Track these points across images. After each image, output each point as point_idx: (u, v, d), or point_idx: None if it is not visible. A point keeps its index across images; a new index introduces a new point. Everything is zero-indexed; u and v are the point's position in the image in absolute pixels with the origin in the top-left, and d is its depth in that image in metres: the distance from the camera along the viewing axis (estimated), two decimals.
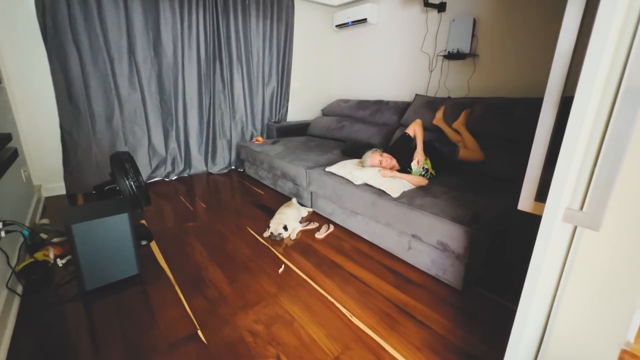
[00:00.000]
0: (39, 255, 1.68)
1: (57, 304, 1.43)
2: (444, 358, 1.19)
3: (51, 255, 1.72)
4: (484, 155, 2.16)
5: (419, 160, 2.11)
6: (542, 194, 0.78)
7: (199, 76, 3.16)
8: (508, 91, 2.49)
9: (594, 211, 0.71)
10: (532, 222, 0.83)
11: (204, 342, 1.24)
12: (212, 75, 3.25)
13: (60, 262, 1.71)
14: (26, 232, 1.75)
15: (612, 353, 0.81)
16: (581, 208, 0.75)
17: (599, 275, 0.82)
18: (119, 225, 1.49)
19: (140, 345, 1.22)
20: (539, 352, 0.98)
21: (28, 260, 1.61)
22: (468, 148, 2.22)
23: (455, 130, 2.40)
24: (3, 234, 1.47)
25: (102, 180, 2.26)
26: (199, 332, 1.29)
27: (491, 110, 2.34)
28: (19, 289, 1.48)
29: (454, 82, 2.88)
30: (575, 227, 0.84)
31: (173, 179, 3.28)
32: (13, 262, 1.54)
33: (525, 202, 0.80)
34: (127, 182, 1.71)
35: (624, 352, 0.79)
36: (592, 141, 0.73)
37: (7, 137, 1.90)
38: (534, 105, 2.02)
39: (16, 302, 1.41)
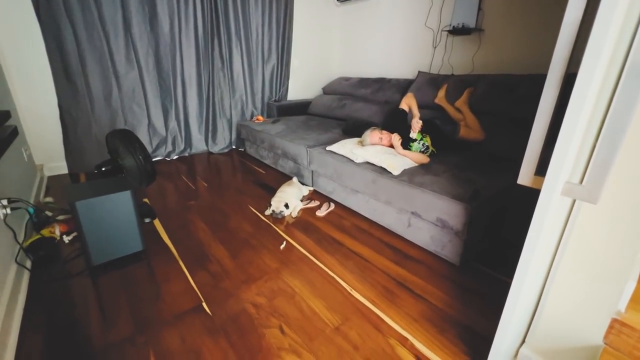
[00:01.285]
0: (45, 232, 1.72)
1: (66, 278, 1.48)
2: (440, 328, 1.24)
3: (57, 232, 1.75)
4: (485, 135, 2.14)
5: (414, 128, 2.11)
6: (542, 169, 0.78)
7: (197, 53, 3.08)
8: (513, 68, 2.44)
9: (593, 185, 0.72)
10: (531, 199, 0.84)
11: (208, 314, 1.29)
12: (211, 52, 3.18)
13: (66, 239, 1.75)
14: (32, 210, 1.77)
15: (603, 322, 0.84)
16: (580, 182, 0.76)
17: (594, 247, 0.84)
18: (122, 202, 1.51)
19: (147, 317, 1.27)
20: (531, 322, 1.01)
21: (35, 237, 1.64)
22: (469, 127, 2.20)
23: (458, 109, 2.37)
24: (9, 210, 1.50)
25: (103, 159, 2.26)
26: (204, 304, 1.34)
27: (495, 88, 2.30)
28: (28, 264, 1.52)
29: (458, 59, 2.81)
30: (574, 202, 0.85)
31: (174, 158, 3.28)
32: (20, 239, 1.57)
33: (525, 176, 0.80)
34: (137, 155, 1.72)
35: (614, 320, 0.82)
36: (594, 115, 0.72)
37: (6, 115, 1.89)
38: (540, 82, 1.98)
39: (26, 276, 1.45)
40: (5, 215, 1.47)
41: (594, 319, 0.87)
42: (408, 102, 2.29)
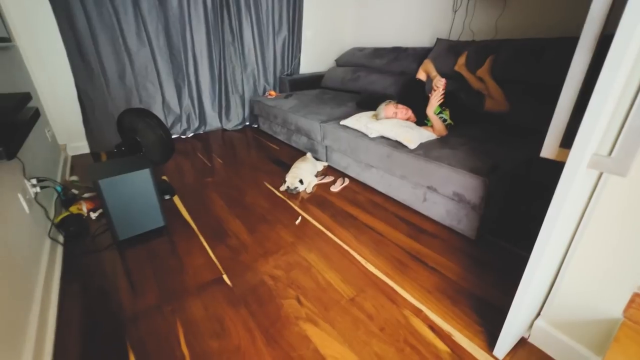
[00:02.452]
0: (73, 209, 1.81)
1: (96, 252, 1.57)
2: (453, 300, 1.26)
3: (84, 209, 1.85)
4: (510, 106, 2.03)
5: (436, 88, 1.91)
6: (567, 141, 0.74)
7: (207, 27, 3.02)
8: (541, 31, 2.26)
9: (624, 156, 0.68)
10: (554, 171, 0.81)
11: (229, 285, 1.35)
12: (221, 25, 3.10)
13: (93, 215, 1.84)
14: (59, 188, 1.86)
15: (624, 296, 0.83)
16: (609, 154, 0.72)
17: (618, 222, 0.81)
18: (142, 179, 1.56)
19: (172, 287, 1.34)
20: (548, 295, 1.01)
21: (64, 214, 1.73)
22: (493, 98, 2.09)
23: (480, 78, 2.25)
24: (38, 189, 1.58)
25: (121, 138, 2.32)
26: (224, 276, 1.40)
27: (520, 54, 2.15)
28: (60, 238, 1.62)
29: (480, 24, 2.62)
30: (600, 175, 0.81)
31: (189, 136, 3.32)
32: (51, 216, 1.66)
33: (550, 148, 0.77)
34: (158, 130, 1.77)
35: (636, 294, 0.81)
36: (631, 81, 0.67)
37: (27, 97, 1.93)
38: (570, 45, 1.84)
39: (60, 249, 1.56)
40: (36, 194, 1.56)
41: (615, 292, 0.85)
42: (425, 69, 2.16)
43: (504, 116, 2.06)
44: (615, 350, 0.77)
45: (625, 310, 0.84)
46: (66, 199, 1.89)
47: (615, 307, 0.86)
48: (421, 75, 2.24)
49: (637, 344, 0.79)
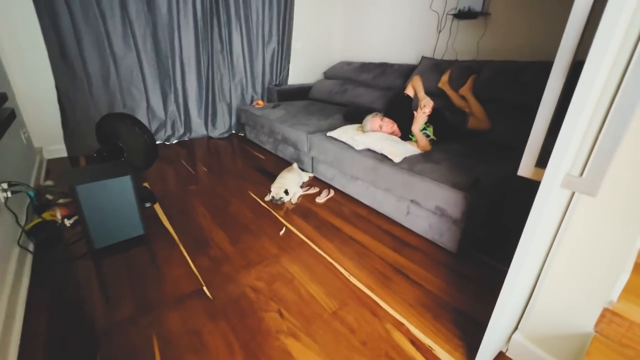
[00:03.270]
0: (46, 215, 1.73)
1: (69, 261, 1.50)
2: (435, 314, 1.27)
3: (58, 216, 1.77)
4: (491, 124, 2.11)
5: (421, 109, 1.95)
6: (543, 161, 0.78)
7: (196, 35, 3.01)
8: (520, 54, 2.38)
9: (593, 177, 0.71)
10: (531, 188, 0.84)
11: (209, 297, 1.31)
12: (210, 34, 3.10)
13: (67, 222, 1.76)
14: (32, 193, 1.78)
15: (595, 311, 0.86)
16: (580, 175, 0.75)
17: (590, 239, 0.84)
18: (122, 186, 1.51)
19: (149, 299, 1.30)
20: (525, 309, 1.04)
21: (36, 220, 1.65)
22: (475, 116, 2.17)
23: (462, 97, 2.33)
24: (9, 194, 1.50)
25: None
26: (204, 288, 1.36)
27: (500, 74, 2.25)
28: (31, 247, 1.54)
29: (463, 44, 2.74)
30: (572, 194, 0.85)
31: (173, 142, 3.27)
32: (22, 222, 1.58)
33: (526, 168, 0.80)
34: (144, 135, 1.73)
35: (606, 310, 0.84)
36: (599, 106, 0.71)
37: (3, 97, 1.87)
38: (546, 69, 1.94)
39: (29, 258, 1.48)
40: (6, 199, 1.48)
41: (587, 308, 0.89)
42: (414, 85, 2.22)
43: (486, 134, 2.14)
44: None
45: (596, 325, 0.87)
46: (39, 204, 1.81)
47: (586, 322, 0.89)
48: (409, 91, 2.29)
49: (608, 357, 0.81)
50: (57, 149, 2.75)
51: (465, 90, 2.31)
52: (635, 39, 0.64)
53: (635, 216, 0.77)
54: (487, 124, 2.12)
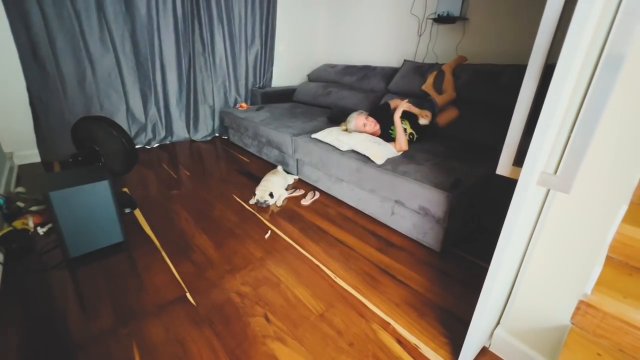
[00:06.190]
0: (17, 224, 1.65)
1: (42, 271, 1.43)
2: (420, 313, 1.29)
3: (30, 224, 1.68)
4: (456, 95, 2.33)
5: (401, 108, 2.06)
6: (520, 159, 0.80)
7: (176, 36, 2.96)
8: (496, 57, 2.47)
9: (567, 175, 0.74)
10: (509, 186, 0.87)
11: (192, 304, 1.28)
12: (191, 35, 3.05)
13: (41, 231, 1.68)
14: (1, 201, 1.69)
15: (571, 303, 0.89)
16: (555, 172, 0.78)
17: (564, 234, 0.88)
18: (100, 192, 1.45)
19: (129, 308, 1.25)
20: (506, 305, 1.06)
21: (6, 229, 1.57)
22: (444, 94, 2.36)
23: (447, 99, 2.40)
24: None
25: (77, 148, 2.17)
26: (188, 294, 1.33)
27: (478, 77, 2.32)
28: (0, 257, 1.46)
29: (442, 48, 2.81)
30: (548, 191, 0.88)
31: (154, 146, 3.18)
32: None
33: (504, 166, 0.83)
34: (122, 138, 1.67)
35: (580, 302, 0.87)
36: (571, 106, 0.74)
37: None
38: (521, 72, 2.01)
39: None
40: None
41: (563, 301, 0.92)
42: (397, 103, 2.30)
43: (465, 132, 2.20)
44: (565, 356, 0.82)
45: (573, 317, 0.90)
46: (9, 212, 1.72)
47: (563, 314, 0.92)
48: (392, 104, 2.35)
49: (584, 347, 0.85)
50: (30, 154, 2.63)
51: (447, 66, 2.47)
52: (602, 43, 0.68)
53: (606, 211, 0.81)
54: (453, 94, 2.35)
